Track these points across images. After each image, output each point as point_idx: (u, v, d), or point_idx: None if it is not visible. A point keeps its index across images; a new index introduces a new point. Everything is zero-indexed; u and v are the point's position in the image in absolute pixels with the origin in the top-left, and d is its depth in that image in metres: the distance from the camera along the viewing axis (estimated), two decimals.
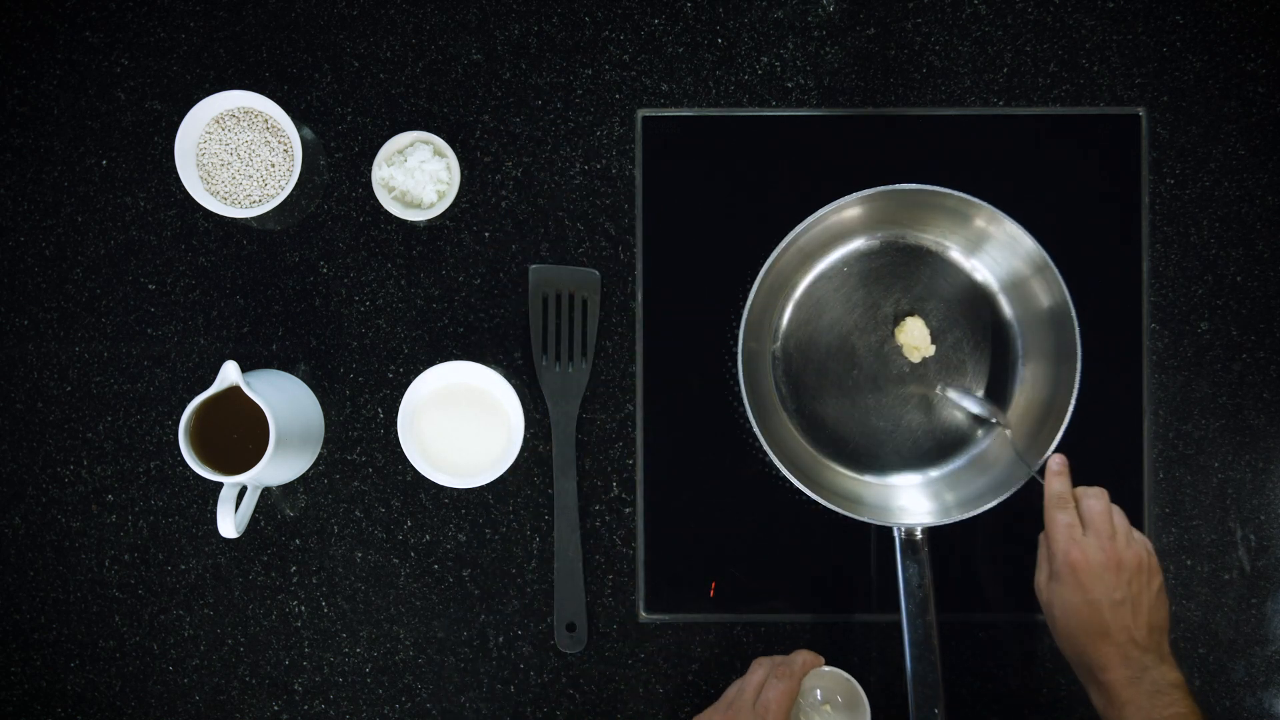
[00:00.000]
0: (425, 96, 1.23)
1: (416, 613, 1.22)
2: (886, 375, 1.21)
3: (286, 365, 1.22)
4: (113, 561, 1.22)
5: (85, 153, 1.23)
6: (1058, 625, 1.08)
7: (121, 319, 1.22)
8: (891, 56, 1.23)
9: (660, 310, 1.22)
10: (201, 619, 1.22)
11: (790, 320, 1.21)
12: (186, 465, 1.17)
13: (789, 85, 1.23)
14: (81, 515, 1.22)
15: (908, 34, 1.23)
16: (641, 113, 1.23)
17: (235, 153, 1.19)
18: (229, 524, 1.11)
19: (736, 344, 1.15)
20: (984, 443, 1.20)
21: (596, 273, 1.22)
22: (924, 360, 1.20)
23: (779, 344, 1.21)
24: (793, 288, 1.21)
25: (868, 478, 1.21)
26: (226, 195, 1.19)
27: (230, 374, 1.11)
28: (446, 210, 1.21)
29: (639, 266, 1.22)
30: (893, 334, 1.20)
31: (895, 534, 1.15)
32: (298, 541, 1.22)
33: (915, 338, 1.19)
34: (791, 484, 1.13)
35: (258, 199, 1.19)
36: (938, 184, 1.13)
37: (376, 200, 1.22)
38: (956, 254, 1.21)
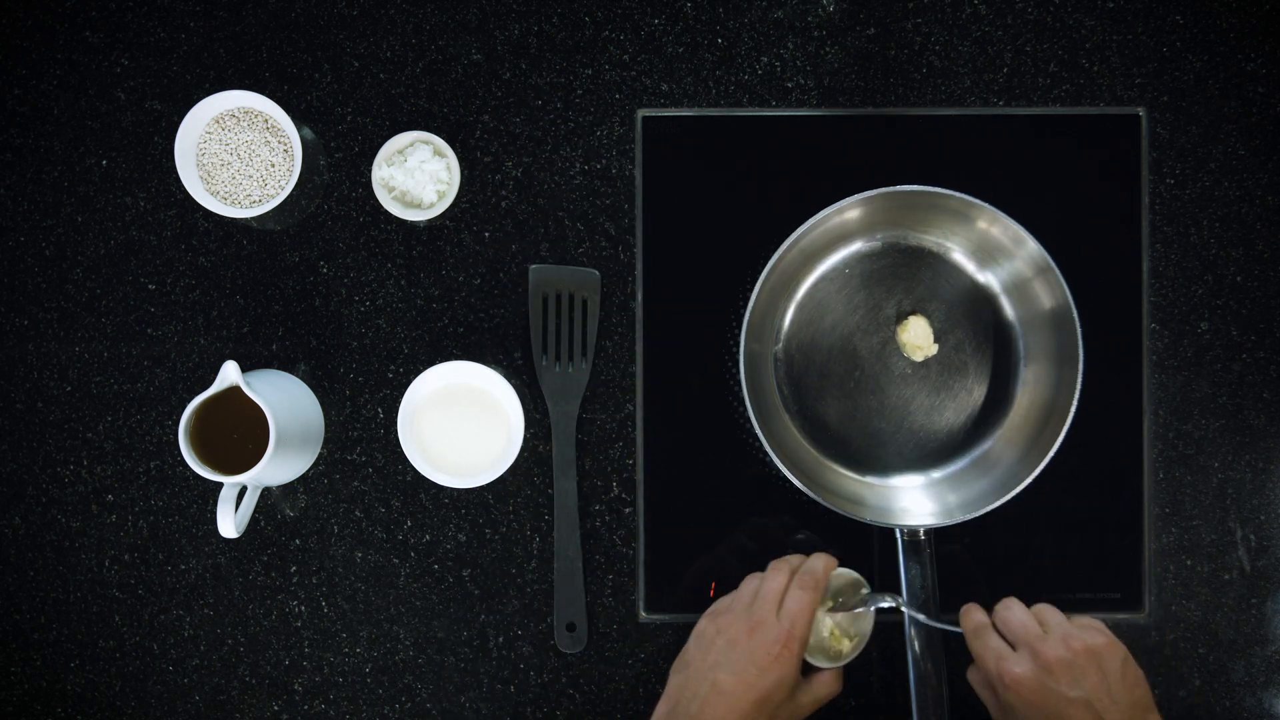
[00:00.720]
0: (425, 96, 1.23)
1: (416, 613, 1.22)
2: (889, 376, 1.21)
3: (286, 365, 1.22)
4: (113, 561, 1.22)
5: (85, 153, 1.22)
6: None
7: (121, 319, 1.22)
8: (891, 56, 1.23)
9: (660, 310, 1.22)
10: (201, 619, 1.22)
11: (792, 321, 1.21)
12: (186, 465, 1.17)
13: (789, 85, 1.23)
14: (81, 515, 1.22)
15: (908, 34, 1.23)
16: (641, 113, 1.23)
17: (235, 153, 1.18)
18: (229, 524, 1.11)
19: (737, 344, 1.15)
20: (986, 444, 1.20)
21: (596, 273, 1.22)
22: (926, 360, 1.20)
23: (781, 345, 1.21)
24: (794, 289, 1.21)
25: (870, 479, 1.21)
26: (226, 195, 1.19)
27: (230, 374, 1.11)
28: (446, 210, 1.21)
29: (639, 266, 1.22)
30: (895, 332, 1.20)
31: (898, 535, 1.15)
32: (298, 541, 1.22)
33: (918, 336, 1.19)
34: (793, 485, 1.13)
35: (258, 199, 1.19)
36: (937, 184, 1.13)
37: (376, 200, 1.21)
38: (958, 255, 1.21)
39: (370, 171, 1.21)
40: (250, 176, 1.19)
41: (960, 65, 1.23)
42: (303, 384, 1.21)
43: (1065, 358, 1.15)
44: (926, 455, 1.21)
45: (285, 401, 1.15)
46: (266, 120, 1.19)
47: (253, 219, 1.22)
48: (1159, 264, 1.23)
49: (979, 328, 1.21)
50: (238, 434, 1.11)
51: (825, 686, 1.11)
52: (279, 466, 1.14)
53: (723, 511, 1.22)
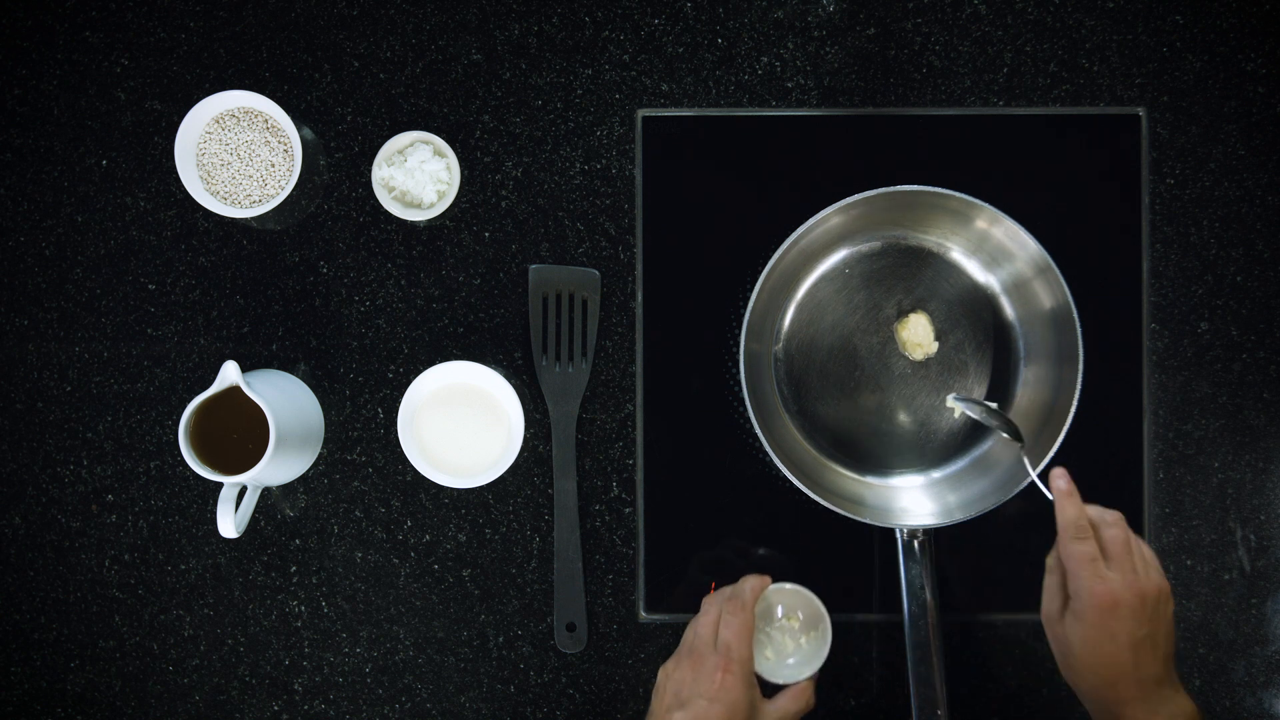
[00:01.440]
0: (425, 96, 1.23)
1: (416, 613, 1.22)
2: (889, 376, 1.21)
3: (286, 365, 1.22)
4: (113, 561, 1.22)
5: (85, 153, 1.22)
6: (1076, 662, 1.04)
7: (121, 319, 1.22)
8: (891, 56, 1.23)
9: (660, 310, 1.22)
10: (201, 619, 1.22)
11: (792, 322, 1.21)
12: (186, 465, 1.18)
13: (789, 85, 1.23)
14: (81, 515, 1.22)
15: (908, 34, 1.23)
16: (641, 113, 1.23)
17: (235, 153, 1.19)
18: (229, 524, 1.11)
19: (737, 344, 1.15)
20: (986, 444, 1.20)
21: (596, 273, 1.22)
22: (927, 360, 1.20)
23: (781, 345, 1.21)
24: (794, 289, 1.21)
25: (870, 479, 1.21)
26: (226, 195, 1.19)
27: (230, 374, 1.11)
28: (446, 210, 1.21)
29: (639, 266, 1.22)
30: (895, 331, 1.20)
31: (898, 535, 1.15)
32: (298, 541, 1.22)
33: (919, 334, 1.19)
34: (792, 485, 1.13)
35: (258, 199, 1.19)
36: (938, 184, 1.13)
37: (376, 200, 1.21)
38: (958, 255, 1.21)
39: (370, 171, 1.21)
40: (250, 176, 1.19)
41: (960, 65, 1.23)
42: (303, 384, 1.21)
43: (1065, 358, 1.15)
44: (926, 455, 1.21)
45: (285, 401, 1.15)
46: (266, 120, 1.19)
47: (253, 219, 1.22)
48: (1159, 264, 1.23)
49: (979, 328, 1.21)
50: (238, 434, 1.11)
51: (793, 701, 1.12)
52: (279, 466, 1.14)
53: (723, 511, 1.22)
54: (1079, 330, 1.13)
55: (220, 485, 1.14)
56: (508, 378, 1.18)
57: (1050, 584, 1.07)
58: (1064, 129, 1.23)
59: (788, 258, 1.15)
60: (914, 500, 1.19)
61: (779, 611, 1.17)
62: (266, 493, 1.22)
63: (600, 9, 1.23)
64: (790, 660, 1.16)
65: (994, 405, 1.19)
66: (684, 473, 1.22)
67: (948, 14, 1.23)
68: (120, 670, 1.22)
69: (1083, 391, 1.13)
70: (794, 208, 1.15)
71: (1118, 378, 1.21)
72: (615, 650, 1.22)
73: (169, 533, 1.22)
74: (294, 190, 1.20)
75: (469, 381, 1.19)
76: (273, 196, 1.18)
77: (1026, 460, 1.13)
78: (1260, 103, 1.23)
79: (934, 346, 1.20)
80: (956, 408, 1.20)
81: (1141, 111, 1.23)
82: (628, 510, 1.22)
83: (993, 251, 1.18)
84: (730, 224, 1.22)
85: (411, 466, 1.21)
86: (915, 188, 1.13)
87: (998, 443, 1.20)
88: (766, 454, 1.14)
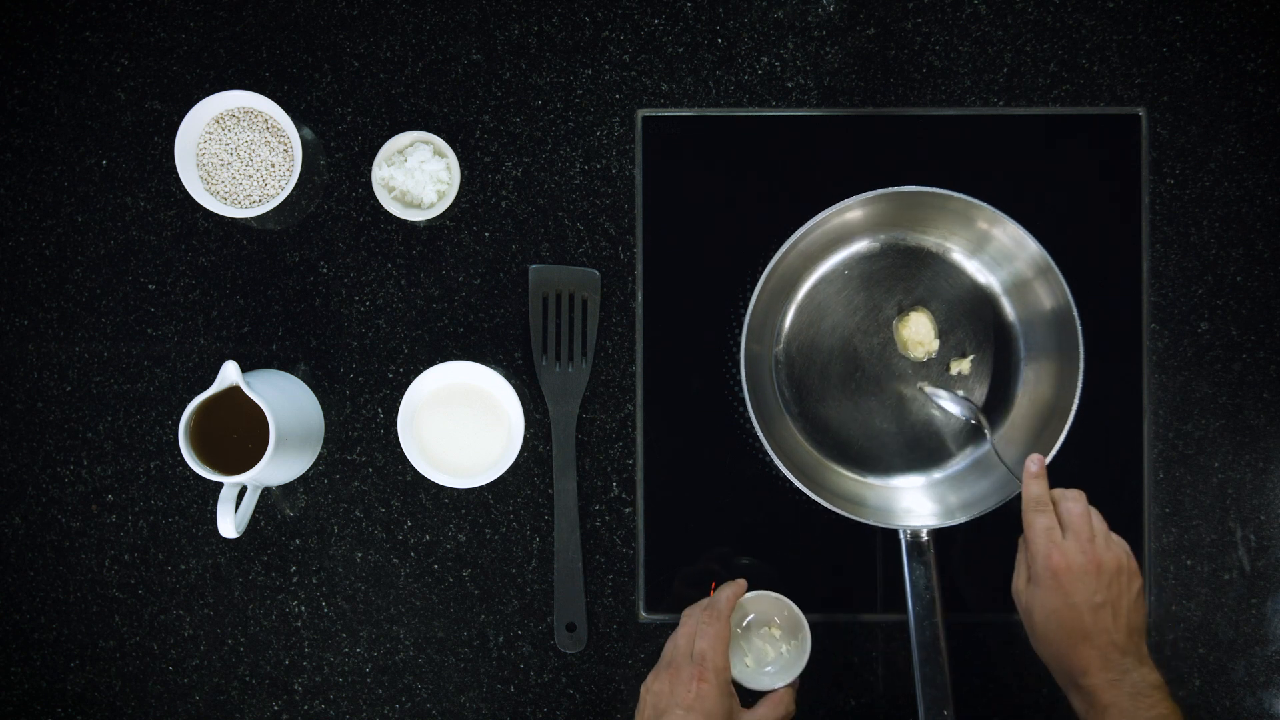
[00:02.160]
0: (425, 96, 1.23)
1: (416, 613, 1.22)
2: (889, 377, 1.21)
3: (286, 365, 1.22)
4: (113, 561, 1.22)
5: (85, 153, 1.22)
6: (1037, 629, 1.08)
7: (121, 319, 1.22)
8: (891, 56, 1.23)
9: (660, 310, 1.22)
10: (201, 619, 1.22)
11: (792, 323, 1.21)
12: (186, 465, 1.17)
13: (789, 85, 1.23)
14: (81, 515, 1.22)
15: (908, 34, 1.23)
16: (641, 113, 1.23)
17: (235, 153, 1.18)
18: (229, 524, 1.11)
19: (737, 345, 1.15)
20: (987, 445, 1.20)
21: (596, 273, 1.22)
22: (928, 359, 1.20)
23: (781, 346, 1.21)
24: (795, 290, 1.21)
25: (871, 480, 1.21)
26: (226, 195, 1.19)
27: (230, 374, 1.11)
28: (446, 210, 1.21)
29: (639, 266, 1.22)
30: (895, 329, 1.20)
31: (901, 536, 1.15)
32: (298, 541, 1.22)
33: (920, 332, 1.19)
34: (793, 485, 1.13)
35: (258, 199, 1.19)
36: (937, 184, 1.13)
37: (376, 200, 1.21)
38: (958, 255, 1.21)
39: (370, 171, 1.21)
40: (250, 176, 1.19)
41: (960, 65, 1.23)
42: (303, 384, 1.21)
43: (1065, 358, 1.15)
44: (928, 456, 1.21)
45: (285, 401, 1.15)
46: (266, 120, 1.19)
47: (253, 219, 1.22)
48: (1159, 264, 1.23)
49: (979, 328, 1.21)
50: (238, 434, 1.11)
51: (772, 709, 1.13)
52: (279, 466, 1.14)
53: (723, 511, 1.22)
54: (1079, 330, 1.13)
55: (220, 485, 1.14)
56: (508, 378, 1.18)
57: (1019, 560, 1.11)
58: (1064, 129, 1.23)
59: (788, 258, 1.15)
60: (915, 501, 1.19)
61: (754, 619, 1.17)
62: (266, 493, 1.22)
63: (600, 9, 1.23)
64: (769, 668, 1.17)
65: (960, 393, 1.20)
66: (684, 473, 1.22)
67: (948, 14, 1.23)
68: (120, 670, 1.22)
69: (1083, 391, 1.13)
70: (794, 208, 1.15)
71: (1118, 378, 1.21)
72: (615, 650, 1.22)
73: (169, 533, 1.22)
74: (294, 190, 1.20)
75: (469, 381, 1.19)
76: (273, 196, 1.18)
77: (995, 448, 1.16)
78: (1260, 103, 1.23)
79: (935, 344, 1.20)
80: (929, 397, 1.21)
81: (1141, 111, 1.23)
82: (628, 510, 1.22)
83: (993, 252, 1.18)
84: (730, 224, 1.22)
85: (411, 466, 1.20)
86: (916, 188, 1.13)
87: (999, 443, 1.20)
88: (767, 455, 1.14)
